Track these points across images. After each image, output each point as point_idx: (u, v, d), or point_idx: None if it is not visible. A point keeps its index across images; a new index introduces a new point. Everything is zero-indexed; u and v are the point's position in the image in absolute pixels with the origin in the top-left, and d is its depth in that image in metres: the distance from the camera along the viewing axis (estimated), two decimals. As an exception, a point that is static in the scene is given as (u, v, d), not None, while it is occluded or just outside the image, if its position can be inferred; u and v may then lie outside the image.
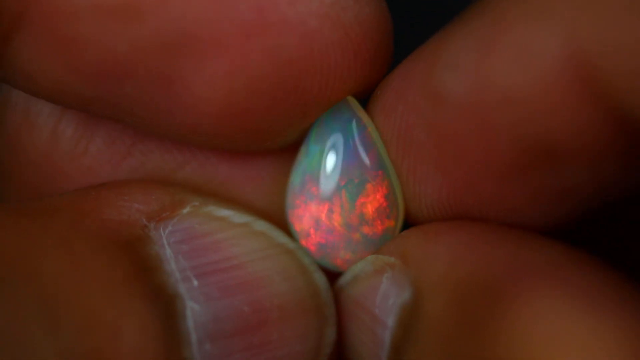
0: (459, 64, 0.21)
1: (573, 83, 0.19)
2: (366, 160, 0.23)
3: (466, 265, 0.21)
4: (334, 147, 0.24)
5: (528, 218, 0.22)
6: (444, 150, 0.22)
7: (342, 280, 0.24)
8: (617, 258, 0.25)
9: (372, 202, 0.24)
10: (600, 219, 0.24)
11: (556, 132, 0.20)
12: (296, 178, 0.24)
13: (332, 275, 0.24)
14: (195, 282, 0.21)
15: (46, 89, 0.22)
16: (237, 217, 0.23)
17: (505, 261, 0.20)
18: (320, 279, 0.23)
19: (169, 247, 0.21)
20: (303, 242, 0.24)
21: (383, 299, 0.22)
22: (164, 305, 0.20)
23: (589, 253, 0.21)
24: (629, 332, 0.18)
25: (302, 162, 0.24)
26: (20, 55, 0.22)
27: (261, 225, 0.23)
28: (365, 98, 0.24)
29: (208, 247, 0.22)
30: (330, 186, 0.24)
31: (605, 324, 0.18)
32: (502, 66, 0.20)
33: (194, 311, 0.21)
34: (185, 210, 0.22)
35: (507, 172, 0.21)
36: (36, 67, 0.22)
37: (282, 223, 0.24)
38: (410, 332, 0.21)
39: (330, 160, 0.24)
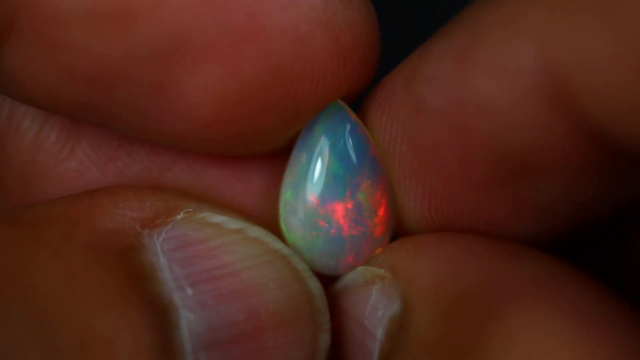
0: (437, 76, 0.21)
1: (545, 95, 0.20)
2: (365, 160, 0.23)
3: (453, 279, 0.21)
4: (329, 149, 0.23)
5: (510, 231, 0.22)
6: (423, 161, 0.22)
7: (334, 289, 0.24)
8: (617, 253, 0.25)
9: (374, 202, 0.23)
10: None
11: (529, 142, 0.20)
12: (290, 183, 0.24)
13: (326, 281, 0.24)
14: (190, 291, 0.21)
15: (36, 95, 0.22)
16: (231, 223, 0.22)
17: (492, 276, 0.21)
18: (315, 285, 0.23)
19: (163, 255, 0.21)
20: (302, 248, 0.24)
21: (372, 310, 0.22)
22: (159, 315, 0.20)
23: (576, 265, 0.21)
24: (617, 349, 0.18)
25: (296, 167, 0.24)
26: (10, 62, 0.21)
27: (256, 231, 0.23)
28: (352, 101, 0.24)
29: (202, 255, 0.22)
30: (328, 189, 0.23)
31: (597, 345, 0.18)
32: (478, 77, 0.20)
33: (188, 321, 0.21)
34: (179, 216, 0.22)
35: (483, 183, 0.22)
36: (26, 73, 0.21)
37: (272, 226, 0.24)
38: (398, 344, 0.21)
39: (327, 163, 0.23)
